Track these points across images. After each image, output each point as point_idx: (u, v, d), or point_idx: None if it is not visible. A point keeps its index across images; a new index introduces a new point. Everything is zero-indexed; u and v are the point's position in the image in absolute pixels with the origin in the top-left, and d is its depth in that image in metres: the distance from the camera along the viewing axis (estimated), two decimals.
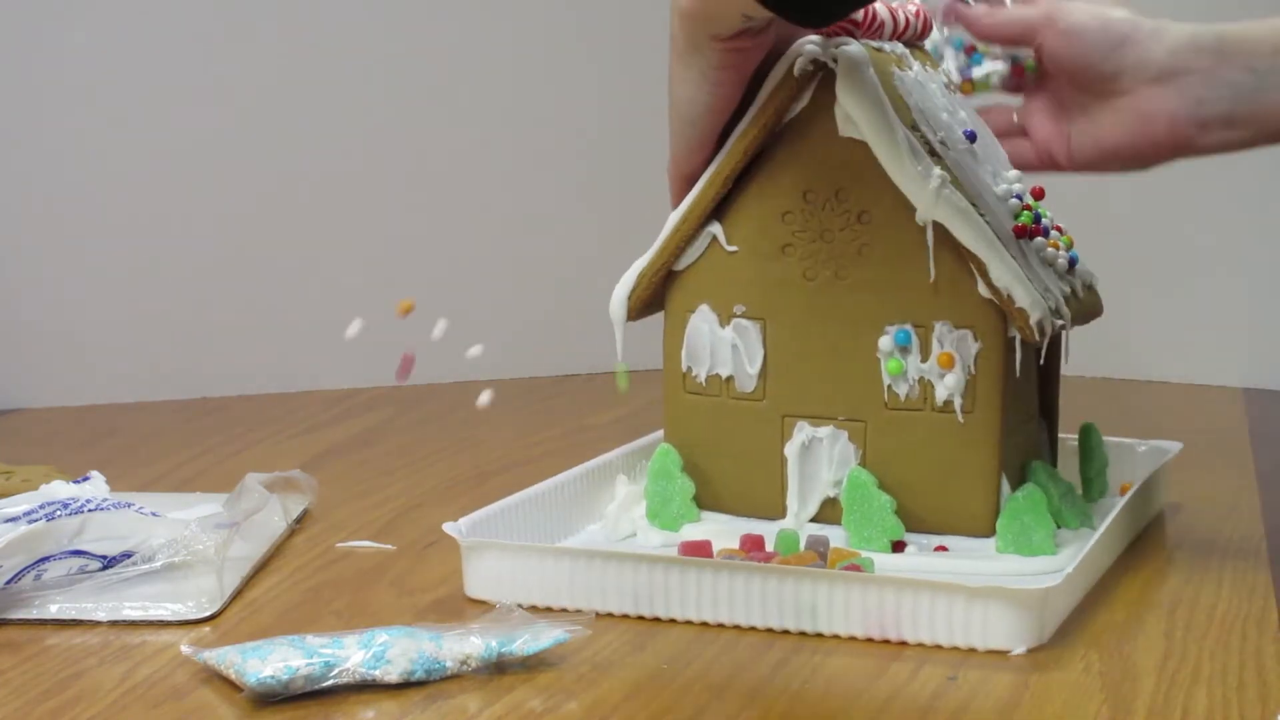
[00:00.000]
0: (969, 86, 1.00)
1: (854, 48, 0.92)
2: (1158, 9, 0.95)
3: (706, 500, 0.98)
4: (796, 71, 0.93)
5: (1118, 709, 0.75)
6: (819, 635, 0.84)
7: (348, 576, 0.95)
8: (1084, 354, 1.01)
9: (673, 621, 0.86)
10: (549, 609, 0.86)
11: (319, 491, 1.08)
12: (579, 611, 0.84)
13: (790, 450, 0.96)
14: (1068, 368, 1.01)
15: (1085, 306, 0.99)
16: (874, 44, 0.96)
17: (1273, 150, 0.94)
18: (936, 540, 0.94)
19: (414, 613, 0.88)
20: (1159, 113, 0.92)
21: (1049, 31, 0.95)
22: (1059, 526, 0.94)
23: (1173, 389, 1.53)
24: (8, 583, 0.87)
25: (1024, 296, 0.90)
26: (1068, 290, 0.96)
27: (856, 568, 0.87)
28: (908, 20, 0.98)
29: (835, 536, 0.93)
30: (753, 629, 0.85)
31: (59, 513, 0.89)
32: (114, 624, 0.86)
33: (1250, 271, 1.53)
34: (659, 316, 0.99)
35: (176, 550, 0.90)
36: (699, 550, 0.91)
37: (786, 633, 0.84)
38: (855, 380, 0.95)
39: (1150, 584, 0.93)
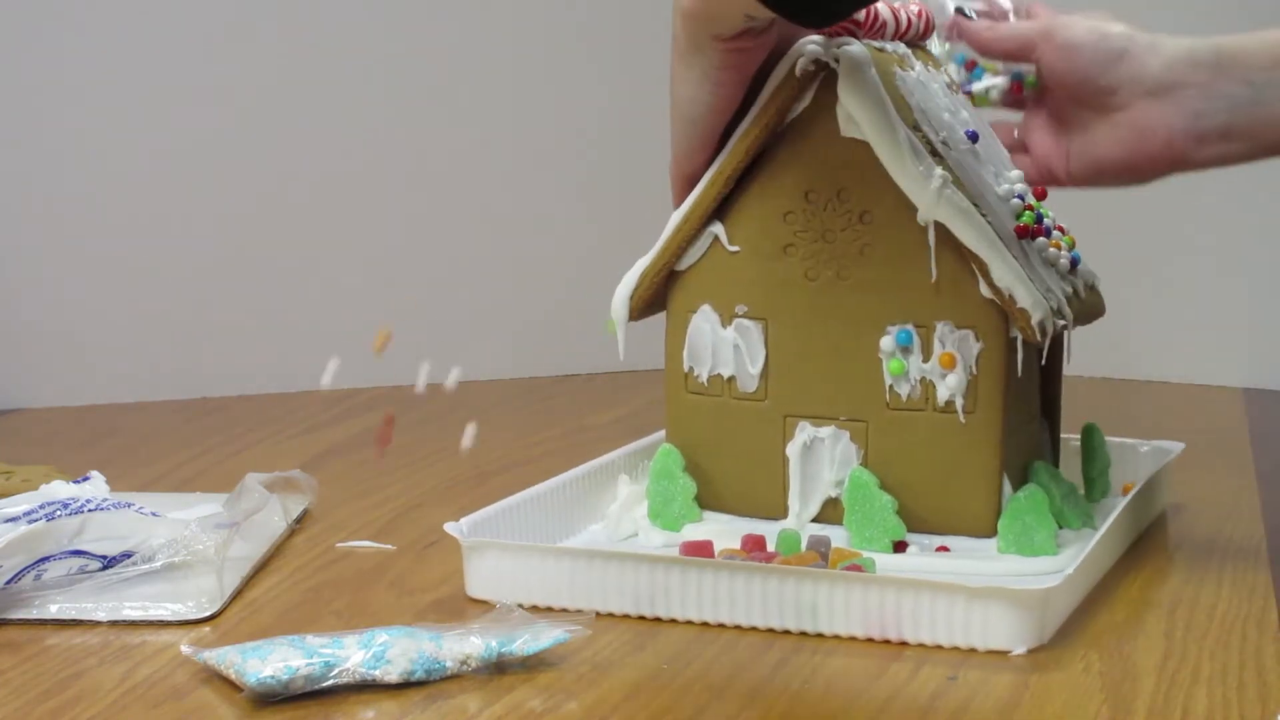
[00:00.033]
0: (969, 101, 1.00)
1: (856, 48, 0.92)
2: (1156, 23, 0.95)
3: (708, 500, 0.98)
4: (798, 71, 0.93)
5: (1118, 709, 0.75)
6: (819, 635, 0.84)
7: (348, 576, 0.95)
8: (1086, 354, 1.01)
9: (673, 622, 0.86)
10: (550, 609, 0.86)
11: (319, 491, 1.08)
12: (580, 611, 0.84)
13: (792, 450, 0.96)
14: (1070, 368, 1.01)
15: (1087, 307, 0.99)
16: (876, 44, 0.96)
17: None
18: (938, 540, 0.94)
19: (414, 613, 0.88)
20: (1156, 127, 0.93)
21: (1046, 46, 0.95)
22: (1061, 527, 0.94)
23: (1172, 389, 1.53)
24: (8, 583, 0.87)
25: (1025, 297, 0.90)
26: (1070, 290, 0.96)
27: (858, 568, 0.86)
28: (910, 20, 0.98)
29: (837, 537, 0.93)
30: (753, 629, 0.85)
31: (59, 513, 0.89)
32: (114, 624, 0.86)
33: (1250, 272, 1.53)
34: (661, 316, 0.99)
35: (176, 550, 0.90)
36: (700, 550, 0.91)
37: (787, 633, 0.84)
38: (857, 380, 0.95)
39: (1150, 584, 0.93)
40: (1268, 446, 1.29)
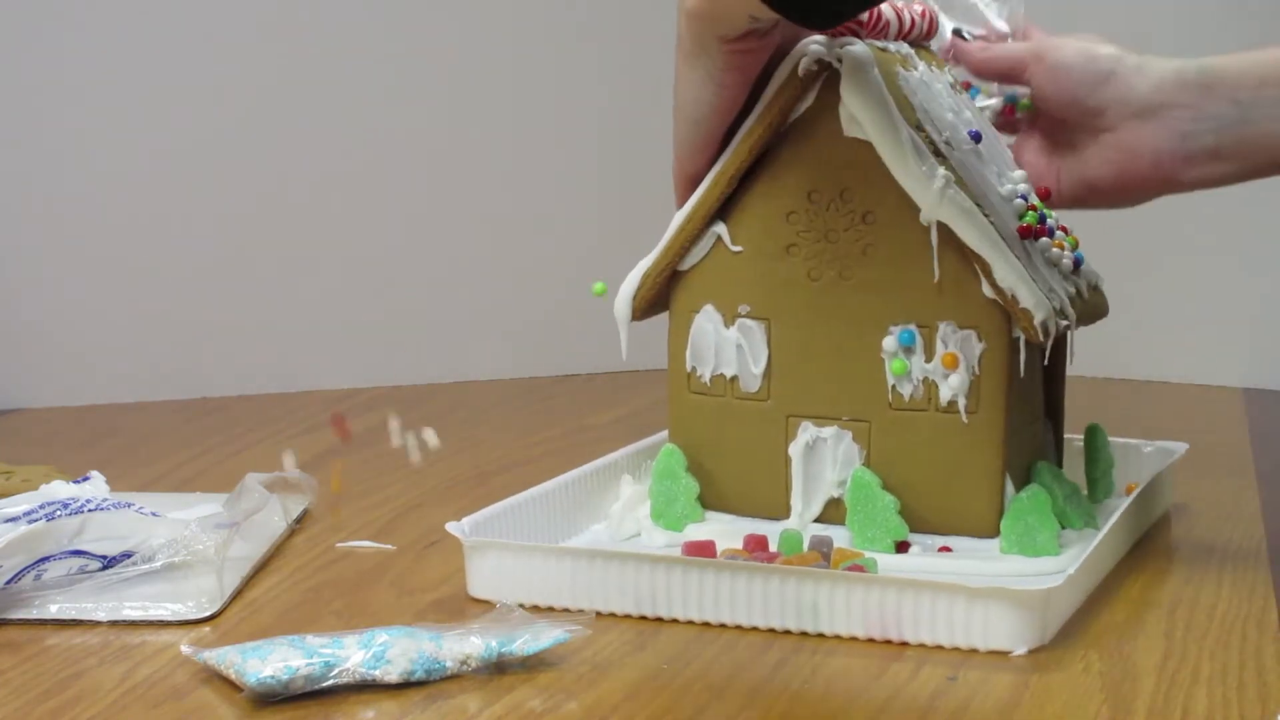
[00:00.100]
0: None
1: (859, 48, 0.92)
2: (1145, 44, 0.96)
3: (711, 500, 0.98)
4: (801, 71, 0.93)
5: (1118, 709, 0.75)
6: (819, 635, 0.84)
7: (348, 576, 0.95)
8: (1089, 354, 1.01)
9: (674, 621, 0.86)
10: (551, 609, 0.86)
11: (319, 491, 1.08)
12: (580, 611, 0.84)
13: (794, 450, 0.96)
14: (1074, 368, 1.01)
15: (1090, 307, 0.98)
16: (879, 44, 0.96)
17: None
18: (940, 541, 0.94)
19: (414, 613, 0.88)
20: (1144, 148, 0.93)
21: (1037, 67, 0.96)
22: (1064, 527, 0.94)
23: (1173, 389, 1.53)
24: (8, 583, 0.87)
25: (1028, 297, 0.90)
26: (1073, 291, 0.96)
27: (860, 568, 0.86)
28: (913, 20, 0.98)
29: (839, 537, 0.93)
30: (753, 629, 0.85)
31: (59, 513, 0.89)
32: (114, 624, 0.86)
33: (1251, 271, 1.53)
34: (663, 316, 0.99)
35: (176, 550, 0.90)
36: (703, 550, 0.90)
37: (787, 633, 0.84)
38: (859, 380, 0.94)
39: (1150, 584, 0.93)
40: (1268, 446, 1.29)
